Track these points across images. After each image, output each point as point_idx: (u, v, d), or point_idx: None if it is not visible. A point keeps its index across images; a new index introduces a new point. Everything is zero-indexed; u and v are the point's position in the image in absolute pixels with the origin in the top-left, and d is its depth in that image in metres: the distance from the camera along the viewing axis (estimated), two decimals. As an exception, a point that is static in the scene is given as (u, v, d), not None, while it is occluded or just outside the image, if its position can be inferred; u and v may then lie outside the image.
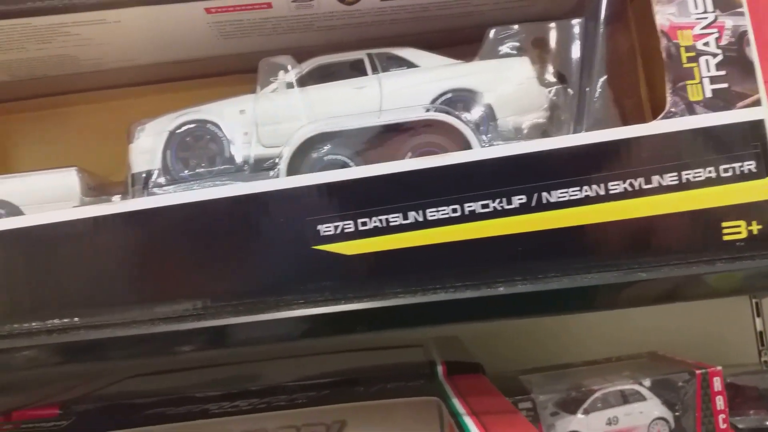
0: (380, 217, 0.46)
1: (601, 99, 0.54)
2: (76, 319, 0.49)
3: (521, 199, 0.45)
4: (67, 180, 0.62)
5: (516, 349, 0.92)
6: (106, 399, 0.70)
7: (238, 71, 0.69)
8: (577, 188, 0.45)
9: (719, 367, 0.72)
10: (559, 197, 0.45)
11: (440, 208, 0.45)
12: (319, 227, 0.46)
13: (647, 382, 0.75)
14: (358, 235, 0.46)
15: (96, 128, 0.81)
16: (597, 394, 0.76)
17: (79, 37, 0.59)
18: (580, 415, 0.73)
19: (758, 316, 0.94)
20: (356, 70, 0.58)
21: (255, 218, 0.48)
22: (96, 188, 0.64)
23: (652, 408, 0.74)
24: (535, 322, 0.92)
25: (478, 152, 0.47)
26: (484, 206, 0.45)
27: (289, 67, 0.57)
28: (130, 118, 0.78)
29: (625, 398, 0.75)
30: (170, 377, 0.81)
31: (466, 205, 0.45)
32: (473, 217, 0.45)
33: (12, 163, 0.82)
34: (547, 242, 0.45)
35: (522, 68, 0.55)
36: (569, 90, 0.54)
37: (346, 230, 0.46)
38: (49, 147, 0.82)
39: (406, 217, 0.46)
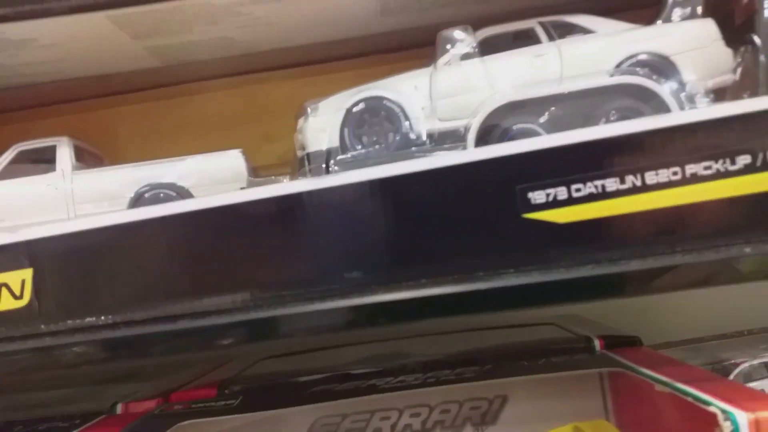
0: (596, 183, 0.45)
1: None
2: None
3: (746, 159, 0.44)
4: (235, 161, 0.62)
5: (628, 326, 0.90)
6: (262, 379, 0.71)
7: (391, 49, 0.68)
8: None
9: None
10: (784, 156, 0.44)
11: (660, 171, 0.44)
12: (530, 195, 0.46)
13: (791, 354, 0.73)
14: (571, 202, 0.45)
15: (223, 115, 0.82)
16: (741, 368, 0.74)
17: (250, 17, 0.59)
18: (725, 390, 0.72)
19: None
20: (528, 38, 0.57)
21: (459, 189, 0.47)
22: (251, 171, 0.65)
23: (797, 379, 0.72)
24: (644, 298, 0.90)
25: (699, 112, 0.46)
26: (707, 168, 0.44)
27: (464, 39, 0.56)
28: (261, 104, 0.79)
29: (770, 370, 0.74)
30: (305, 357, 0.81)
31: (688, 167, 0.44)
32: (696, 179, 0.44)
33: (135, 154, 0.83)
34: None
35: (708, 30, 0.54)
36: (759, 52, 0.53)
37: (559, 197, 0.45)
38: (170, 136, 0.83)
39: (623, 182, 0.45)
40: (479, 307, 0.47)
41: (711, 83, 0.53)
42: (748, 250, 0.42)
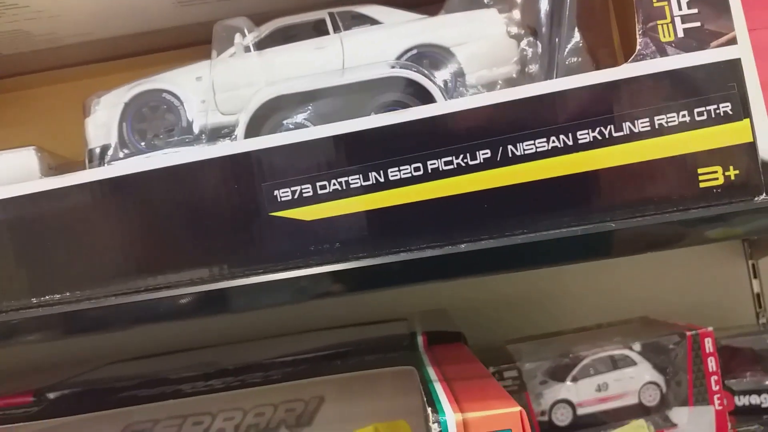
0: (340, 180, 0.43)
1: (572, 49, 0.51)
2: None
3: (486, 153, 0.43)
4: (25, 160, 0.59)
5: (505, 319, 0.89)
6: (81, 385, 0.69)
7: (200, 42, 0.66)
8: (544, 139, 0.43)
9: (710, 328, 0.70)
10: (526, 150, 0.43)
11: (402, 168, 0.43)
12: (276, 192, 0.44)
13: (637, 347, 0.73)
14: (316, 199, 0.44)
15: (54, 110, 0.79)
16: (586, 361, 0.74)
17: (29, 9, 0.56)
18: (569, 383, 0.72)
19: (755, 277, 0.91)
20: (318, 30, 0.55)
21: (206, 186, 0.45)
22: (57, 168, 0.62)
23: (643, 372, 0.72)
24: (523, 291, 0.90)
25: (439, 106, 0.45)
26: (448, 163, 0.43)
27: (246, 30, 0.54)
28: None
29: (615, 364, 0.73)
30: (150, 362, 0.79)
31: (429, 162, 0.43)
32: (436, 175, 0.43)
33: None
34: (514, 197, 0.43)
35: (490, 21, 0.53)
36: (539, 42, 0.52)
37: (305, 195, 0.44)
38: (4, 132, 0.79)
39: (366, 179, 0.43)
40: (228, 307, 0.45)
41: (494, 74, 0.52)
42: (493, 242, 0.41)
